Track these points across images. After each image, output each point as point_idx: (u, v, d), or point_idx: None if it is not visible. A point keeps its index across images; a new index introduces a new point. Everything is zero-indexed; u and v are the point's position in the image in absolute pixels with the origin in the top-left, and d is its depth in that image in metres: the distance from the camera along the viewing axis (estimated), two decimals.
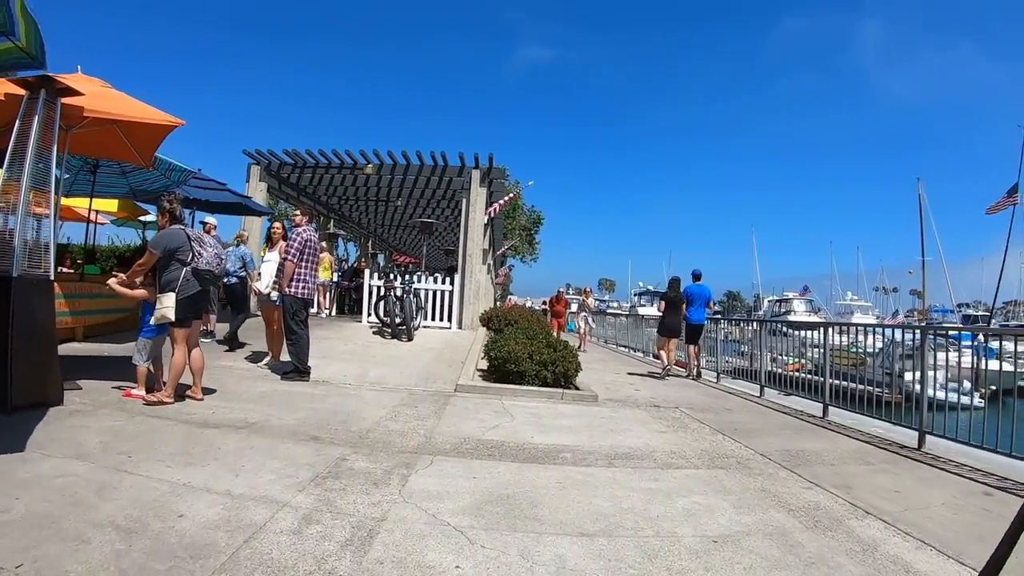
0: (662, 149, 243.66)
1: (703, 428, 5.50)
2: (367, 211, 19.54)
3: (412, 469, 3.57)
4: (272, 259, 7.16)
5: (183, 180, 8.79)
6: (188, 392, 4.92)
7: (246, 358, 7.31)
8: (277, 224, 7.61)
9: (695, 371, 9.87)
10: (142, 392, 4.77)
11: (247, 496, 2.88)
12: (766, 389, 7.98)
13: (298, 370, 6.36)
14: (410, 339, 10.15)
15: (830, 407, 6.24)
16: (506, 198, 13.87)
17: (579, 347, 12.71)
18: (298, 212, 7.14)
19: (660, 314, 10.06)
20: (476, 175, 13.06)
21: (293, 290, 6.39)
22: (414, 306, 10.75)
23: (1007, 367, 4.77)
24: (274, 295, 6.77)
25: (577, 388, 6.89)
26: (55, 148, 4.29)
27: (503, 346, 6.92)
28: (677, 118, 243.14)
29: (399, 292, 10.79)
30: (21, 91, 4.18)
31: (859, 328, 6.44)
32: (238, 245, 9.09)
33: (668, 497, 3.36)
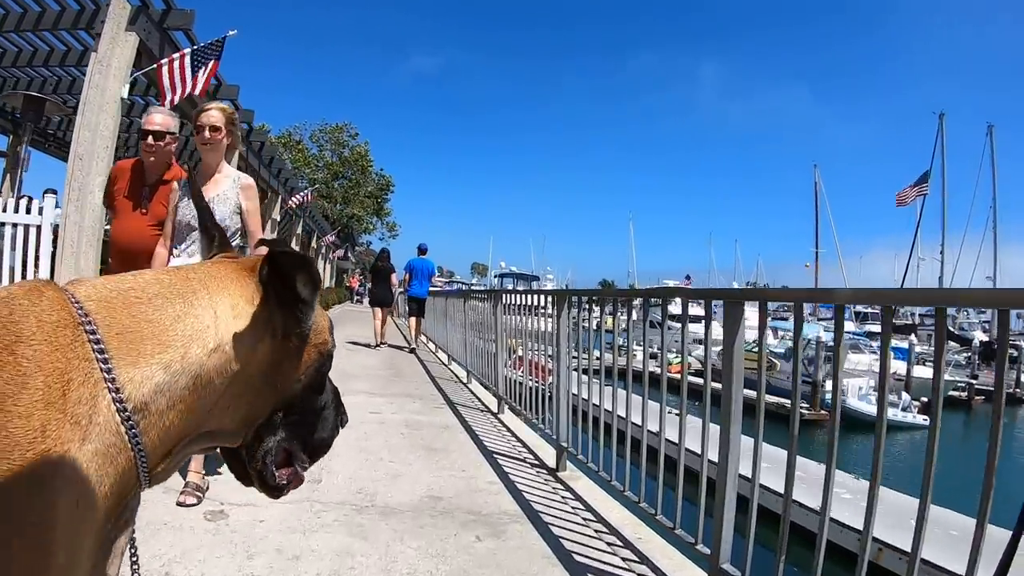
0: (541, 141, 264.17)
1: None
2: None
3: None
4: None
5: None
6: None
7: None
8: None
9: (414, 344, 9.41)
10: None
11: None
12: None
13: None
14: None
15: None
16: (202, 78, 6.22)
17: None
18: None
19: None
20: (119, 12, 6.17)
21: None
22: None
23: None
24: None
25: None
26: None
27: None
28: (556, 114, 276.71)
29: None
30: None
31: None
32: None
33: None
